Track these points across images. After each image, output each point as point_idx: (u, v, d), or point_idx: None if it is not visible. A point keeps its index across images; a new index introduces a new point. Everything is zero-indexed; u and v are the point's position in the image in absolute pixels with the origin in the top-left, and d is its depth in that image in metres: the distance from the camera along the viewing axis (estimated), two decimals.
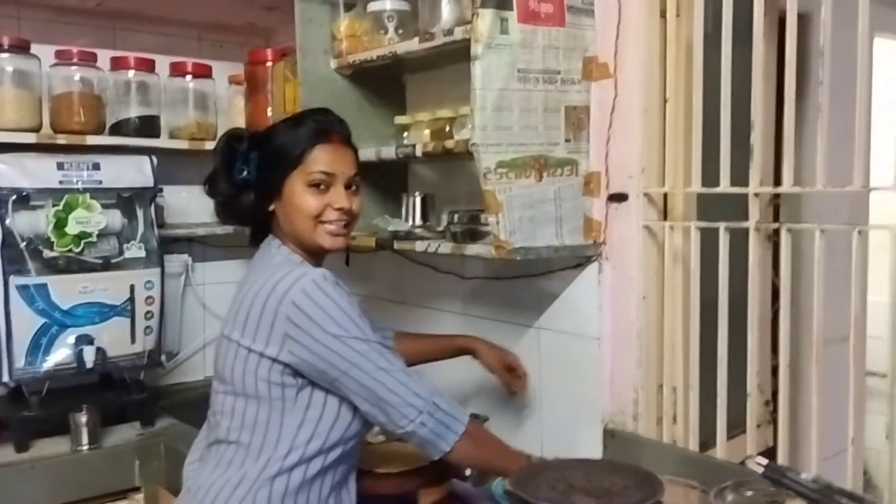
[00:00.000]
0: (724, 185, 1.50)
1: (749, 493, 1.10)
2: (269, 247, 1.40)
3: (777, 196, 1.87)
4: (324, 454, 1.32)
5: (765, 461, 1.01)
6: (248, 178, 1.38)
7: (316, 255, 1.41)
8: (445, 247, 1.71)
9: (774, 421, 1.94)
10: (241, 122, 2.33)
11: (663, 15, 1.61)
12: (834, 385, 1.44)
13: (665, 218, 1.64)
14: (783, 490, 1.03)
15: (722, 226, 1.51)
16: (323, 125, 1.39)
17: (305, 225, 1.35)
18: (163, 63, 2.36)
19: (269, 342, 1.28)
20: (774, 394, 2.01)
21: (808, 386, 1.45)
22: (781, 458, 1.44)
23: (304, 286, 1.26)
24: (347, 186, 1.38)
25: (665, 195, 1.64)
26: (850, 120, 1.34)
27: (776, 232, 1.81)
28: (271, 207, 1.38)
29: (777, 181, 1.57)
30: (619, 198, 1.66)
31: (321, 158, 1.35)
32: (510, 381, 1.72)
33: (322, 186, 1.35)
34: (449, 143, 1.68)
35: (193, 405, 2.35)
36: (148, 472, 2.01)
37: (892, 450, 1.33)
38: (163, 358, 2.21)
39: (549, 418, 1.83)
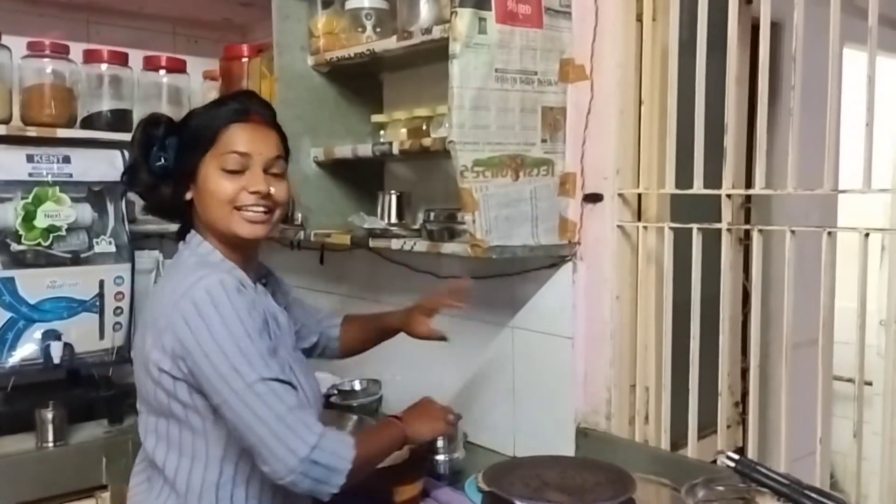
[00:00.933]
0: (698, 187, 1.52)
1: (719, 489, 1.11)
2: (188, 246, 1.33)
3: (748, 200, 1.91)
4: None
5: (736, 456, 1.03)
6: (166, 166, 1.30)
7: (239, 249, 1.32)
8: (421, 245, 1.71)
9: (744, 422, 1.97)
10: None
11: (639, 19, 1.63)
12: (802, 388, 1.46)
13: (639, 219, 1.66)
14: (752, 485, 1.04)
15: (695, 227, 1.53)
16: (241, 104, 1.31)
17: (221, 212, 1.26)
18: (136, 57, 2.33)
19: (164, 356, 1.21)
20: (744, 395, 2.04)
21: (777, 388, 1.47)
22: (751, 458, 1.46)
23: (194, 296, 1.17)
24: (266, 170, 1.29)
25: (639, 196, 1.66)
26: (820, 125, 1.37)
27: (747, 235, 1.84)
28: (188, 196, 1.30)
29: (749, 184, 1.59)
30: (594, 198, 1.67)
31: (236, 138, 1.27)
32: (436, 331, 1.60)
33: (237, 169, 1.27)
34: (426, 142, 1.68)
35: None
36: (115, 469, 1.98)
37: (858, 450, 1.36)
38: (133, 355, 2.17)
39: (523, 417, 1.83)
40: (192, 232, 1.33)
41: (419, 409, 1.46)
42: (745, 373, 1.99)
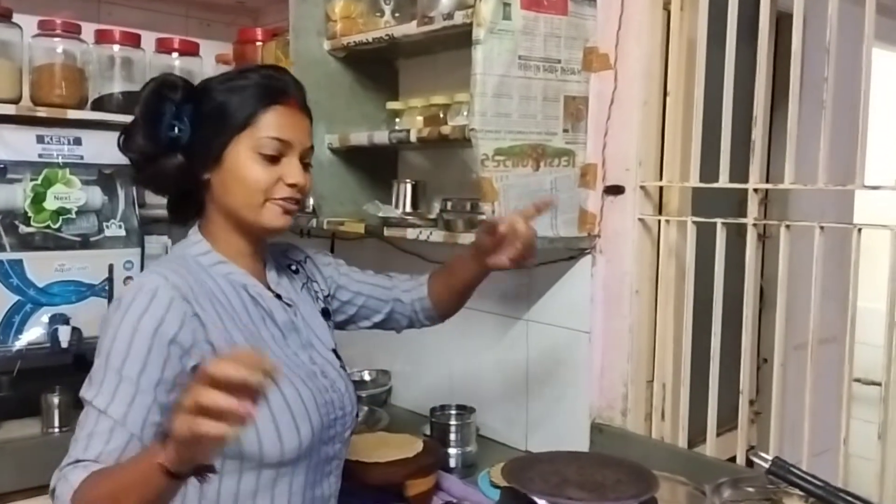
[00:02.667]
0: (724, 181, 1.49)
1: (749, 490, 1.09)
2: (183, 246, 1.20)
3: (766, 196, 1.87)
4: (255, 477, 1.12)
5: (769, 456, 1.00)
6: (180, 137, 1.14)
7: (254, 241, 1.20)
8: (438, 235, 1.68)
9: (756, 421, 1.95)
10: None
11: (666, 7, 1.60)
12: (818, 387, 1.43)
13: (660, 212, 1.63)
14: (782, 486, 1.02)
15: (719, 221, 1.50)
16: (279, 84, 1.16)
17: (250, 200, 1.13)
18: (148, 39, 2.29)
19: None
20: (756, 393, 2.02)
21: (793, 386, 1.44)
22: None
23: (124, 292, 1.08)
24: (301, 159, 1.17)
25: (661, 189, 1.63)
26: (844, 120, 1.34)
27: (765, 231, 1.82)
28: (206, 175, 1.15)
29: (767, 179, 1.56)
30: (615, 190, 1.65)
31: (276, 123, 1.13)
32: (515, 256, 1.30)
33: (274, 155, 1.13)
34: (445, 129, 1.65)
35: None
36: None
37: (883, 451, 1.33)
38: None
39: (536, 411, 1.81)
40: (195, 228, 1.19)
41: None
42: (759, 370, 1.97)
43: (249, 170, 1.12)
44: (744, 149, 1.48)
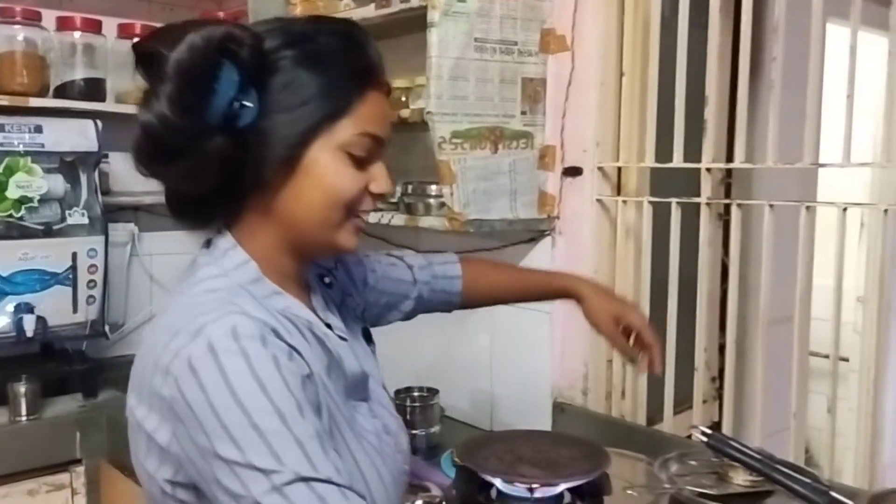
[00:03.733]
0: (678, 160, 1.51)
1: (693, 463, 1.11)
2: (210, 255, 0.86)
3: (729, 176, 1.89)
4: None
5: (709, 431, 1.02)
6: (239, 117, 0.79)
7: (306, 260, 0.92)
8: (399, 218, 1.69)
9: (721, 398, 1.98)
10: None
11: None
12: (779, 364, 1.46)
13: (618, 193, 1.64)
14: (725, 460, 1.04)
15: (674, 201, 1.52)
16: (373, 56, 0.86)
17: (329, 216, 0.84)
18: (110, 25, 2.27)
19: (158, 429, 0.79)
20: (721, 371, 2.05)
21: (754, 364, 1.46)
22: (726, 433, 1.47)
23: (192, 353, 0.75)
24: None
25: (619, 170, 1.64)
26: (803, 99, 1.35)
27: (727, 210, 1.83)
28: (265, 175, 0.82)
29: (730, 159, 1.58)
30: (573, 172, 1.66)
31: (373, 114, 0.85)
32: (627, 348, 1.21)
33: (364, 157, 0.85)
34: (405, 113, 1.66)
35: None
36: (90, 444, 1.96)
37: (832, 425, 1.36)
38: (106, 329, 2.15)
39: (500, 391, 1.83)
40: (231, 241, 0.86)
41: None
42: (723, 348, 2.00)
43: (339, 176, 0.83)
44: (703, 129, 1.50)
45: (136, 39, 2.22)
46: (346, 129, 0.83)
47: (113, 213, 2.20)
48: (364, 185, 0.85)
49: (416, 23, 1.60)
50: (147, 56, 0.79)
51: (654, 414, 1.61)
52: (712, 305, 1.73)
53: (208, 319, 0.76)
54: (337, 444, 0.82)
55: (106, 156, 2.13)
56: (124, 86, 2.27)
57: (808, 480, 0.95)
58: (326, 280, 1.01)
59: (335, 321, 0.95)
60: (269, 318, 0.80)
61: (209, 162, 0.79)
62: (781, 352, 1.46)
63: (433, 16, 1.48)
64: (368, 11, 1.70)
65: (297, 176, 0.82)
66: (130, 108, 2.38)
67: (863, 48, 1.32)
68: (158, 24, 2.42)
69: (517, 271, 1.31)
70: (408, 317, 1.24)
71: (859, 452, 1.36)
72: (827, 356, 1.40)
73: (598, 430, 1.58)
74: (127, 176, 2.36)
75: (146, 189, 2.34)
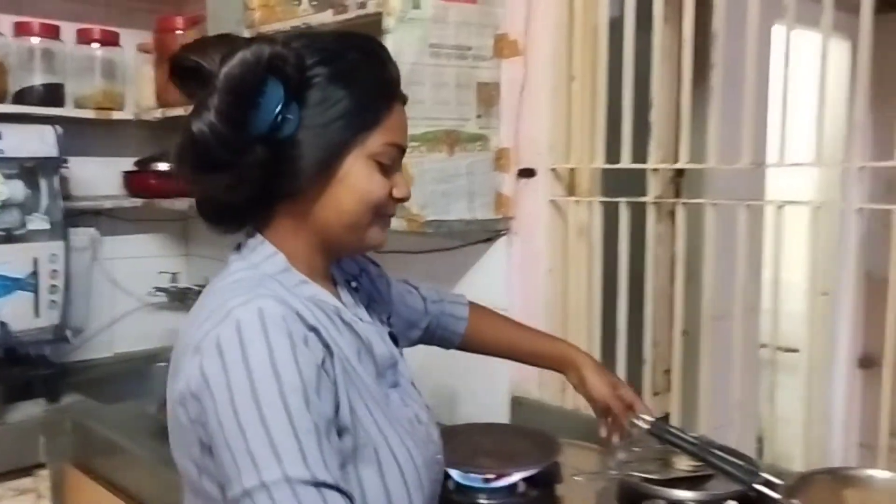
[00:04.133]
0: (626, 161, 1.57)
1: (639, 451, 1.17)
2: (243, 258, 0.91)
3: (678, 175, 1.96)
4: None
5: (651, 418, 1.08)
6: (280, 129, 0.85)
7: (334, 257, 0.98)
8: None
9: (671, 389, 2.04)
10: (150, 93, 2.28)
11: None
12: (731, 356, 1.51)
13: (571, 193, 1.70)
14: (668, 447, 1.09)
15: (622, 201, 1.58)
16: (395, 72, 0.93)
17: (360, 219, 0.90)
18: (69, 30, 2.27)
19: (185, 400, 0.83)
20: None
21: (705, 356, 1.53)
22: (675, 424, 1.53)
23: (220, 333, 0.79)
24: None
25: (571, 171, 1.70)
26: (752, 100, 1.41)
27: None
28: (301, 183, 0.87)
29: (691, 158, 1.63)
30: (527, 173, 1.71)
31: (398, 126, 0.92)
32: (611, 426, 1.25)
33: (389, 165, 0.91)
34: None
35: (102, 382, 2.32)
36: (54, 448, 1.97)
37: (773, 412, 1.43)
38: (69, 333, 2.16)
39: (460, 387, 1.88)
40: (260, 238, 0.91)
41: None
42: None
43: (371, 183, 0.89)
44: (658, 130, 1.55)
45: (94, 44, 2.27)
46: (376, 140, 0.89)
47: (73, 217, 2.20)
48: (390, 190, 0.92)
49: (372, 28, 1.63)
50: (189, 70, 0.85)
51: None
52: (664, 301, 1.80)
53: (237, 303, 0.81)
54: (365, 426, 0.86)
55: (66, 161, 2.14)
56: (83, 91, 2.28)
57: (740, 463, 1.01)
58: (353, 285, 1.05)
59: (364, 314, 1.00)
60: (297, 303, 0.85)
61: (250, 171, 0.85)
62: (733, 344, 1.51)
63: (388, 22, 1.52)
64: (326, 17, 1.73)
65: (332, 184, 0.88)
66: (90, 113, 2.41)
67: (801, 48, 1.39)
68: (116, 29, 2.40)
69: (522, 331, 1.34)
70: (412, 344, 1.29)
71: (809, 439, 1.42)
72: (778, 348, 1.47)
73: (554, 422, 1.63)
74: (87, 180, 2.38)
75: (107, 193, 2.38)
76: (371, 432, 0.86)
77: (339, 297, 0.97)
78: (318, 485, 0.75)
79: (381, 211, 0.92)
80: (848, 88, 2.21)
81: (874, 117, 2.04)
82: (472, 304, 1.33)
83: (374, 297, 1.11)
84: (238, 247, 0.93)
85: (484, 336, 1.32)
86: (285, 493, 0.73)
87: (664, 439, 1.05)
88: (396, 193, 0.92)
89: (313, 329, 0.83)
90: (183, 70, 0.86)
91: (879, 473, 1.03)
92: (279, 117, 0.84)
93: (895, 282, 1.25)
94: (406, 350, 1.15)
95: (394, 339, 1.07)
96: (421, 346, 1.94)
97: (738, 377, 1.48)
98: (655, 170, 1.54)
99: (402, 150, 0.93)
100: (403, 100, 0.94)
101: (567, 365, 1.26)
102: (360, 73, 0.89)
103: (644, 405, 1.24)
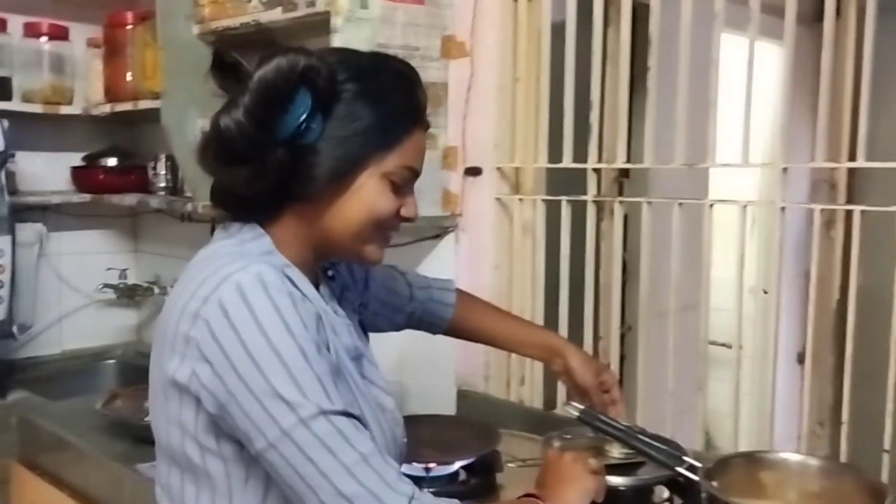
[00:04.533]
0: (567, 161, 1.62)
1: (568, 437, 1.21)
2: (229, 235, 0.95)
3: (621, 175, 2.01)
4: None
5: (581, 406, 1.12)
6: (303, 136, 0.89)
7: (323, 261, 1.03)
8: None
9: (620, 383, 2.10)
10: (99, 87, 2.27)
11: None
12: (678, 351, 1.56)
13: (517, 192, 1.74)
14: (600, 434, 1.14)
15: (564, 199, 1.63)
16: (422, 99, 0.98)
17: (362, 231, 0.94)
18: (16, 22, 2.25)
19: (179, 370, 0.87)
20: (623, 358, 2.18)
21: (650, 351, 1.58)
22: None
23: (222, 297, 0.84)
24: None
25: (516, 170, 1.74)
26: (685, 103, 1.47)
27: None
28: (315, 189, 0.91)
29: (629, 159, 1.69)
30: (474, 171, 1.75)
31: (416, 150, 0.96)
32: (603, 400, 1.25)
33: (402, 185, 0.95)
34: None
35: (50, 379, 2.30)
36: None
37: (702, 405, 1.49)
38: (14, 329, 2.13)
39: (409, 381, 1.91)
40: (252, 225, 0.94)
41: (553, 472, 1.03)
42: (624, 337, 2.13)
43: (381, 200, 0.93)
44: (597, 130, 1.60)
45: (43, 38, 2.24)
46: (393, 161, 0.93)
47: (20, 212, 2.18)
48: (397, 209, 0.96)
49: (322, 27, 1.65)
50: (229, 65, 0.91)
51: (551, 397, 1.71)
52: (610, 296, 1.85)
53: (234, 269, 0.86)
54: (347, 384, 0.93)
55: (13, 155, 2.11)
56: (31, 85, 2.26)
57: (665, 448, 1.06)
58: (329, 273, 1.08)
59: (336, 307, 1.03)
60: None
61: (268, 170, 0.89)
62: (678, 340, 1.56)
63: (336, 22, 1.55)
64: (275, 14, 1.75)
65: (344, 194, 0.92)
66: (38, 108, 2.37)
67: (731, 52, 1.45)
68: (65, 23, 2.38)
69: (508, 320, 1.36)
70: (397, 328, 1.32)
71: (753, 432, 1.48)
72: (723, 344, 1.53)
73: (499, 414, 1.67)
74: (35, 175, 2.35)
75: (54, 189, 2.36)
76: (357, 401, 0.93)
77: (317, 289, 1.00)
78: (346, 414, 0.83)
79: (385, 227, 0.96)
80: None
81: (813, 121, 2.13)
82: (460, 292, 1.35)
83: (347, 286, 1.14)
84: (223, 227, 0.97)
85: (470, 324, 1.33)
86: (324, 425, 0.82)
87: (594, 426, 1.10)
88: (404, 213, 0.97)
89: (305, 297, 0.90)
90: (223, 64, 0.91)
91: (791, 456, 1.09)
92: (304, 125, 0.88)
93: (816, 279, 1.31)
94: None
95: (363, 328, 1.13)
96: (374, 346, 1.97)
97: (672, 372, 1.53)
98: (596, 169, 1.59)
99: (415, 173, 0.97)
100: (426, 126, 0.98)
101: (553, 353, 1.28)
102: (388, 95, 0.93)
103: (620, 393, 1.25)
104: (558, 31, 1.64)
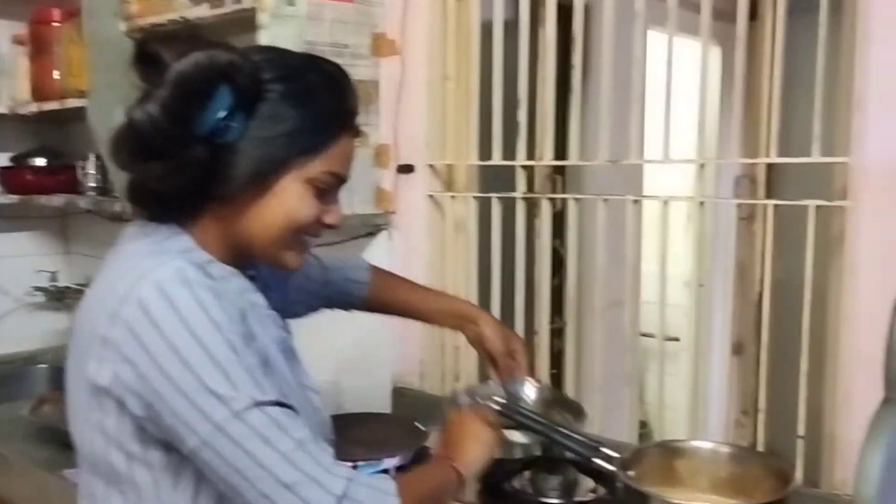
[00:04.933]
0: (497, 159, 1.63)
1: (473, 392, 1.25)
2: (144, 232, 0.91)
3: (555, 171, 2.03)
4: None
5: (502, 400, 1.13)
6: (221, 134, 0.86)
7: (240, 264, 0.96)
8: None
9: (555, 376, 2.13)
10: (26, 86, 2.20)
11: None
12: (613, 344, 1.58)
13: (450, 189, 1.75)
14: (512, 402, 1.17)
15: (494, 196, 1.64)
16: (353, 103, 0.96)
17: (280, 236, 0.91)
18: None
19: (99, 374, 0.84)
20: (560, 353, 2.21)
21: (582, 347, 1.60)
22: None
23: (141, 297, 0.82)
24: None
25: (449, 167, 1.75)
26: (609, 101, 1.49)
27: (554, 204, 1.98)
28: (232, 190, 0.88)
29: (561, 156, 1.70)
30: (406, 169, 1.75)
31: (342, 156, 0.93)
32: (510, 366, 1.26)
33: (324, 191, 0.92)
34: None
35: None
36: None
37: (631, 396, 1.51)
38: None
39: (346, 380, 1.90)
40: (170, 224, 0.91)
41: (455, 430, 1.06)
42: (560, 332, 2.15)
43: (302, 206, 0.91)
44: (529, 129, 1.61)
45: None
46: (317, 166, 0.90)
47: None
48: (319, 215, 0.93)
49: (249, 24, 1.63)
50: (150, 57, 0.87)
51: None
52: (540, 293, 1.87)
53: (150, 265, 0.84)
54: (278, 374, 0.92)
55: None
56: None
57: (583, 439, 1.08)
58: (251, 273, 1.02)
59: (263, 301, 0.99)
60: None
61: (184, 167, 0.86)
62: (613, 333, 1.58)
63: (262, 18, 1.53)
64: (203, 10, 1.73)
65: (264, 197, 0.89)
66: None
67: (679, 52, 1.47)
68: None
69: (423, 292, 1.36)
70: (314, 311, 1.33)
71: (689, 422, 1.51)
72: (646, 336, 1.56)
73: (434, 410, 1.68)
74: None
75: None
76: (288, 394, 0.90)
77: None
78: (279, 404, 0.82)
79: (305, 232, 0.94)
80: (714, 91, 2.35)
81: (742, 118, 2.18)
82: (374, 268, 1.35)
83: (270, 286, 1.07)
84: (140, 226, 0.93)
85: (386, 298, 1.33)
86: (258, 416, 0.80)
87: (514, 419, 1.11)
88: (327, 219, 0.94)
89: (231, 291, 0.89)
90: (145, 57, 0.87)
91: (703, 444, 1.12)
92: (223, 122, 0.85)
93: (738, 272, 1.35)
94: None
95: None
96: (298, 341, 1.96)
97: (604, 366, 1.56)
98: (525, 166, 1.61)
99: (341, 179, 0.95)
100: (355, 132, 0.96)
101: (466, 320, 1.28)
102: (316, 98, 0.90)
103: (524, 358, 1.26)
104: (489, 29, 1.66)
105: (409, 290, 1.35)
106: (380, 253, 1.79)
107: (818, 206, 1.25)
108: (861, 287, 1.19)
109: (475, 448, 1.02)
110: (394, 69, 1.73)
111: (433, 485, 0.98)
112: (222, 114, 0.85)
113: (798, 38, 1.35)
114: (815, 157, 1.26)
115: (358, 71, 1.71)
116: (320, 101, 0.91)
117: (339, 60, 1.62)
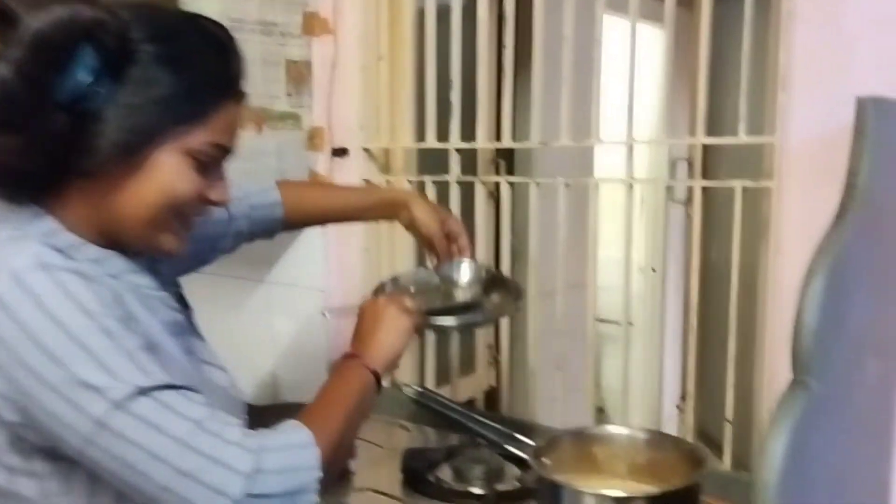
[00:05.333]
0: (431, 141, 1.59)
1: (398, 281, 1.18)
2: (12, 212, 0.81)
3: (498, 154, 2.00)
4: None
5: (417, 388, 1.10)
6: (86, 100, 0.76)
7: (112, 248, 0.86)
8: None
9: (497, 363, 2.11)
10: None
11: None
12: (568, 329, 1.55)
13: (387, 172, 1.71)
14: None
15: (429, 179, 1.60)
16: (238, 65, 0.86)
17: (155, 216, 0.82)
18: None
19: None
20: (515, 338, 2.19)
21: (538, 331, 1.57)
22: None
23: None
24: None
25: (385, 150, 1.71)
26: (541, 83, 1.46)
27: (498, 188, 1.95)
28: (98, 165, 0.78)
29: (498, 138, 1.67)
30: (341, 152, 1.71)
31: (226, 125, 0.84)
32: (446, 248, 1.22)
33: (206, 164, 0.83)
34: None
35: None
36: None
37: (592, 379, 1.49)
38: None
39: (283, 370, 1.86)
40: (29, 205, 0.82)
41: (367, 319, 0.99)
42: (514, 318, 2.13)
43: (180, 181, 0.81)
44: (464, 111, 1.57)
45: None
46: (197, 137, 0.81)
47: None
48: (201, 191, 0.84)
49: (168, 1, 1.58)
50: (3, 15, 0.74)
51: (442, 379, 1.69)
52: None
53: (5, 254, 0.75)
54: (168, 355, 0.83)
55: None
56: None
57: (498, 426, 1.05)
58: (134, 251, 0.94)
59: (149, 282, 0.90)
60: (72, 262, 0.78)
61: (43, 140, 0.76)
62: (566, 318, 1.54)
63: None
64: None
65: (135, 172, 0.80)
66: None
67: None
68: None
69: (344, 191, 1.28)
70: (227, 252, 1.22)
71: (644, 407, 1.49)
72: (614, 322, 1.53)
73: (383, 399, 1.64)
74: None
75: None
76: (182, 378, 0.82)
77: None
78: (169, 386, 0.75)
79: (185, 212, 0.84)
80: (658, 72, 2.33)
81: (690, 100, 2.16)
82: (283, 182, 1.26)
83: (157, 259, 0.95)
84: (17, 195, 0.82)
85: (305, 209, 1.25)
86: (144, 402, 0.73)
87: (430, 408, 1.08)
88: (213, 196, 0.85)
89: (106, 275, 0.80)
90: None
91: (616, 429, 1.10)
92: (86, 88, 0.75)
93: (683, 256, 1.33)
94: (222, 331, 1.12)
95: (181, 298, 1.00)
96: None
97: (561, 350, 1.54)
98: (459, 149, 1.57)
99: (225, 150, 0.85)
100: (240, 98, 0.86)
101: (397, 207, 1.22)
102: (194, 61, 0.81)
103: (466, 240, 1.22)
104: (423, 8, 1.61)
105: (328, 193, 1.27)
106: (314, 239, 1.75)
107: (745, 188, 1.24)
108: (786, 267, 1.18)
109: (389, 337, 0.95)
110: (326, 49, 1.68)
111: (348, 402, 0.88)
112: (86, 78, 0.75)
113: (731, 19, 1.33)
114: (742, 138, 1.24)
115: (290, 51, 1.66)
116: (200, 65, 0.81)
117: (267, 40, 1.62)
